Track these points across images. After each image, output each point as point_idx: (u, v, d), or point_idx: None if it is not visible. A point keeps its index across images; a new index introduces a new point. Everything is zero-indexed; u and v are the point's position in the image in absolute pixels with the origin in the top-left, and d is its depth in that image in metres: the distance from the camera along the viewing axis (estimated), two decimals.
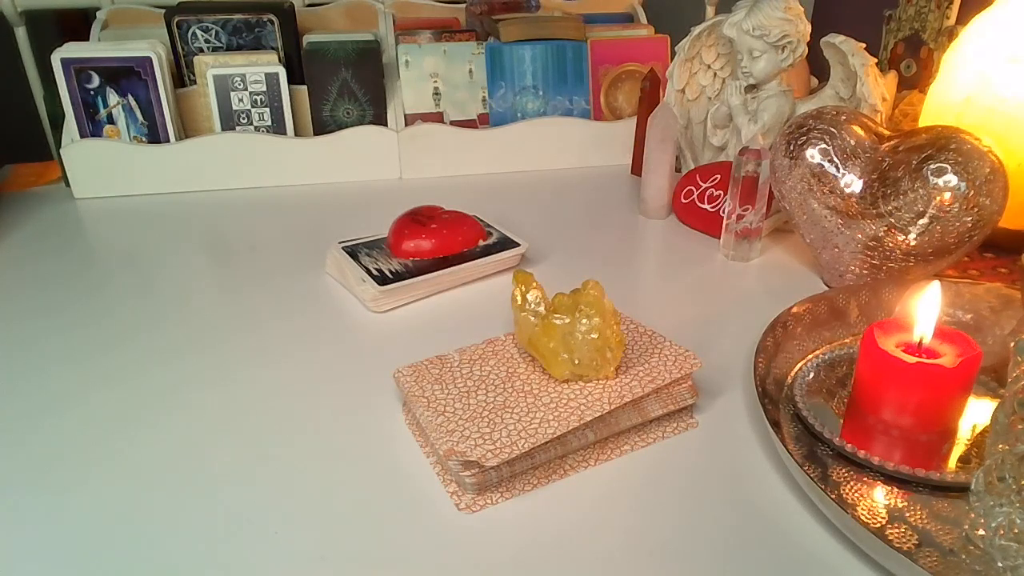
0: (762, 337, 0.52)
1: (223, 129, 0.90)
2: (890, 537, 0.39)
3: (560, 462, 0.45)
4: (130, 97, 0.87)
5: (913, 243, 0.61)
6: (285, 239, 0.77)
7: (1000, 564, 0.35)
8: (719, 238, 0.74)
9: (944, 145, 0.60)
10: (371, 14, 1.04)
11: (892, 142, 0.64)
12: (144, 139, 0.89)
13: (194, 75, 0.91)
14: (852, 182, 0.63)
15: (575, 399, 0.46)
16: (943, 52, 0.77)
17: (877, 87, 0.72)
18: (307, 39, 0.93)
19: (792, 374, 0.52)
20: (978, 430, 0.46)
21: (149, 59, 0.85)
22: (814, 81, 1.03)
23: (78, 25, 1.13)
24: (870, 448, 0.44)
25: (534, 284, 0.50)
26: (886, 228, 0.61)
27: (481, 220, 0.73)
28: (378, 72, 0.93)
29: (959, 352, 0.44)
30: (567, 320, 0.47)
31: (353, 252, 0.68)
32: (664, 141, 0.79)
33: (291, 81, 0.91)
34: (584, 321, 0.47)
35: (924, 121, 0.75)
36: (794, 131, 0.65)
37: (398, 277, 0.63)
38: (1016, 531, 0.34)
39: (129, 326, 0.61)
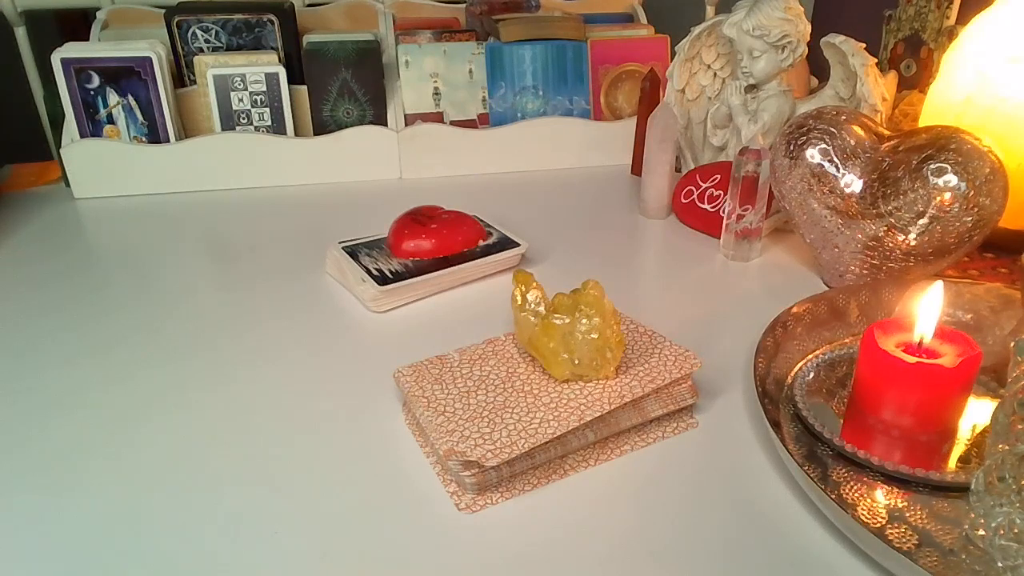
0: (762, 337, 0.52)
1: (223, 129, 0.90)
2: (890, 537, 0.39)
3: (560, 462, 0.45)
4: (130, 97, 0.87)
5: (913, 243, 0.61)
6: (285, 239, 0.77)
7: (1000, 564, 0.35)
8: (719, 238, 0.74)
9: (944, 145, 0.60)
10: (371, 14, 1.04)
11: (892, 142, 0.64)
12: (144, 139, 0.89)
13: (194, 75, 0.91)
14: (852, 182, 0.63)
15: (575, 399, 0.46)
16: (943, 52, 0.77)
17: (877, 87, 0.72)
18: (307, 39, 0.93)
19: (792, 374, 0.52)
20: (978, 430, 0.46)
21: (149, 59, 0.85)
22: (814, 81, 1.03)
23: (78, 25, 1.13)
24: (870, 448, 0.44)
25: (534, 284, 0.50)
26: (886, 228, 0.61)
27: (481, 220, 0.73)
28: (378, 72, 0.93)
29: (959, 352, 0.44)
30: (567, 320, 0.47)
31: (353, 252, 0.68)
32: (664, 141, 0.79)
33: (291, 81, 0.91)
34: (584, 321, 0.47)
35: (924, 121, 0.75)
36: (794, 131, 0.65)
37: (398, 277, 0.63)
38: (1016, 531, 0.34)
39: (129, 326, 0.61)
